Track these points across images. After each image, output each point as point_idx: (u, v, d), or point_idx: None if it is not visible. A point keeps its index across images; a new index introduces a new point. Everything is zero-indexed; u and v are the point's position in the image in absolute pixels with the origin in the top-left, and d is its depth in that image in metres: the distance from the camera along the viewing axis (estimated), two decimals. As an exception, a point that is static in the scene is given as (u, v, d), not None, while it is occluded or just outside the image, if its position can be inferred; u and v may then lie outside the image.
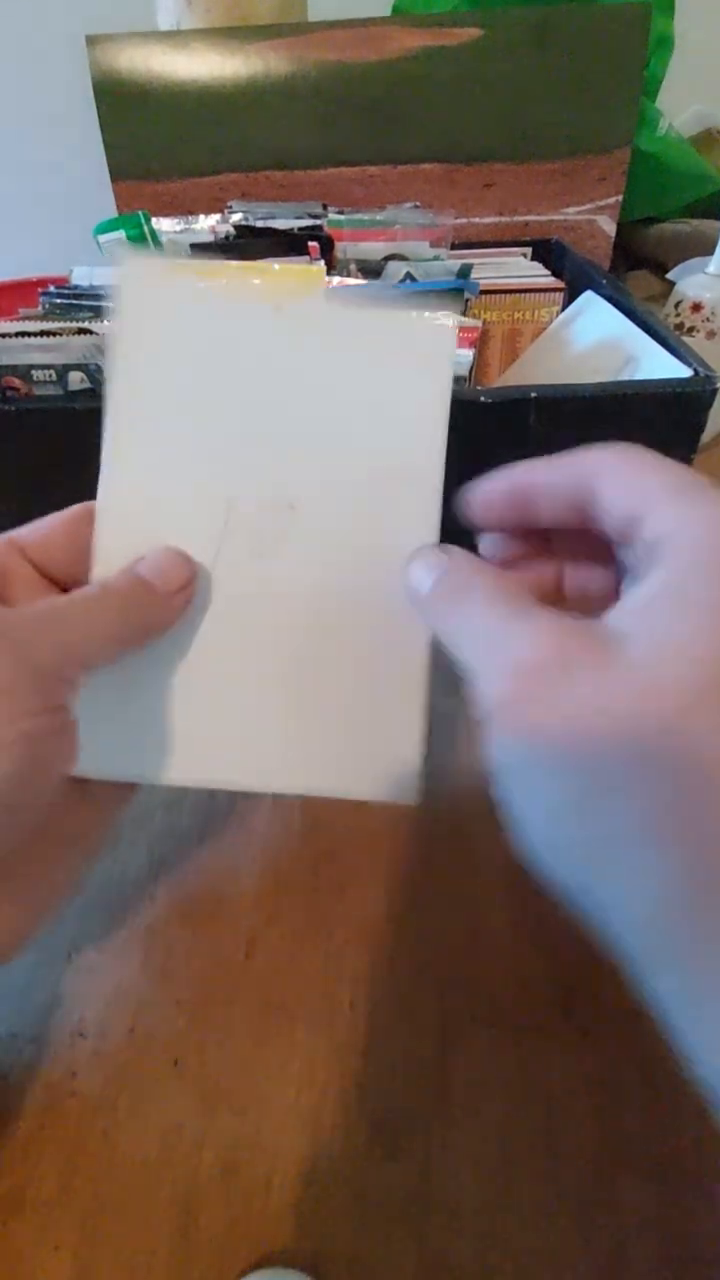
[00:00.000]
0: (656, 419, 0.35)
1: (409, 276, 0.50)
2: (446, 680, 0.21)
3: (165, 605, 0.23)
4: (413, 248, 0.53)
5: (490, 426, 0.36)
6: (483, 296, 0.47)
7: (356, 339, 0.24)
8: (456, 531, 0.24)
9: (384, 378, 0.24)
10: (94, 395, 0.37)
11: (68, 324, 0.38)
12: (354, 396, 0.24)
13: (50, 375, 0.36)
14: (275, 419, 0.24)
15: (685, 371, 0.36)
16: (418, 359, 0.24)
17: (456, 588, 0.20)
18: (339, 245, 0.53)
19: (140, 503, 0.24)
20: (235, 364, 0.24)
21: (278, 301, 0.24)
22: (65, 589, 0.24)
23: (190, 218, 0.59)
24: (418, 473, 0.24)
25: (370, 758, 0.23)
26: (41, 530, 0.25)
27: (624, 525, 0.19)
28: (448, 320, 0.24)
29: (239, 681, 0.23)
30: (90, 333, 0.36)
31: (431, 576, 0.21)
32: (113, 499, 0.24)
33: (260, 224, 0.57)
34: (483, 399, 0.35)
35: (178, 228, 0.58)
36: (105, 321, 0.38)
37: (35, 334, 0.36)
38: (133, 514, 0.24)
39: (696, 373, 0.35)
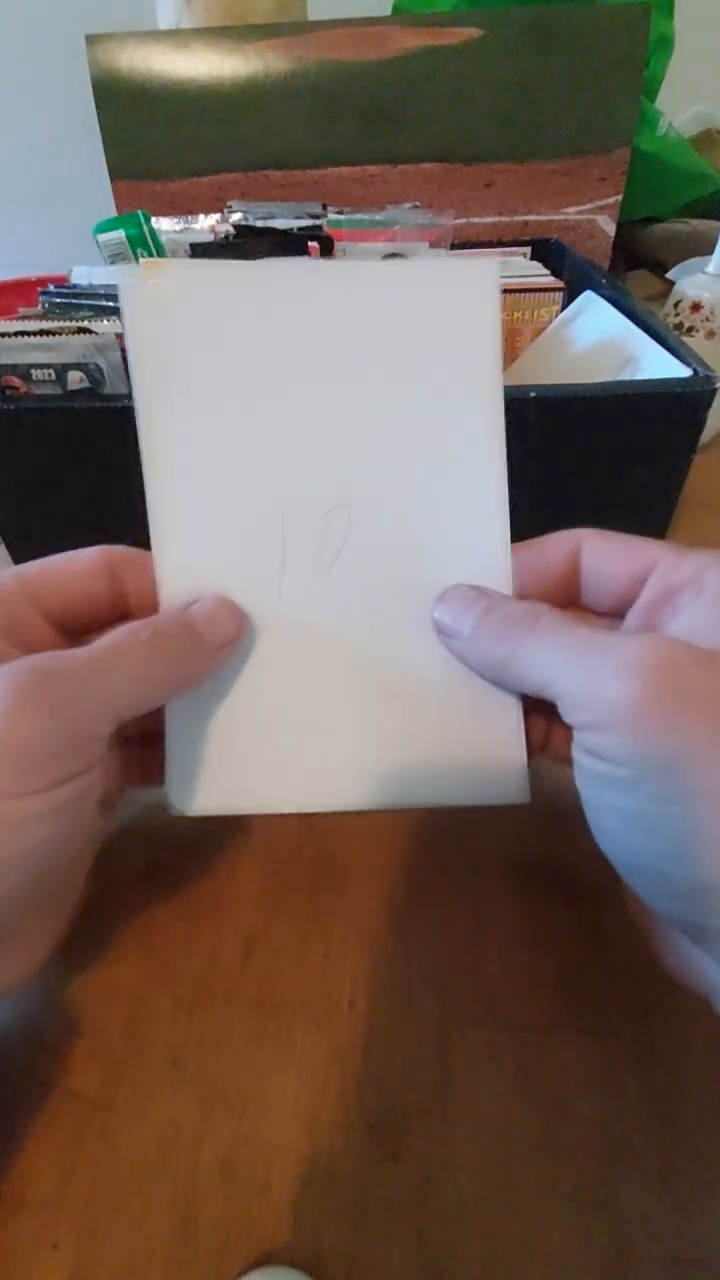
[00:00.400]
0: (656, 419, 0.35)
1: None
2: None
3: (211, 658, 0.22)
4: (412, 248, 0.53)
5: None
6: (482, 296, 0.47)
7: (389, 301, 0.22)
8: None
9: (424, 339, 0.22)
10: (93, 395, 0.37)
11: (67, 323, 0.38)
12: (394, 368, 0.22)
13: (49, 374, 0.36)
14: (314, 407, 0.22)
15: (685, 371, 0.36)
16: (460, 312, 0.22)
17: (517, 618, 0.20)
18: (338, 245, 0.53)
19: (194, 538, 0.22)
20: (264, 350, 0.22)
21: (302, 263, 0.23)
22: (73, 634, 0.23)
23: (190, 217, 0.59)
24: (476, 444, 0.22)
25: (475, 761, 0.22)
26: (55, 574, 0.22)
27: (623, 589, 0.21)
28: (490, 265, 0.22)
29: (327, 699, 0.22)
30: (90, 332, 0.36)
31: (472, 616, 0.21)
32: (167, 535, 0.22)
33: (260, 224, 0.57)
34: (482, 398, 0.35)
35: (177, 227, 0.58)
36: (105, 321, 0.38)
37: (34, 333, 0.36)
38: (190, 548, 0.22)
39: (696, 372, 0.35)
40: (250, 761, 0.22)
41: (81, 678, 0.18)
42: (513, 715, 0.22)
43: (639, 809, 0.17)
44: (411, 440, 0.22)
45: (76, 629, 0.22)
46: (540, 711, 0.22)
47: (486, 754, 0.22)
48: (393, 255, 0.52)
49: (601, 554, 0.22)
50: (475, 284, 0.22)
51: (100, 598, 0.22)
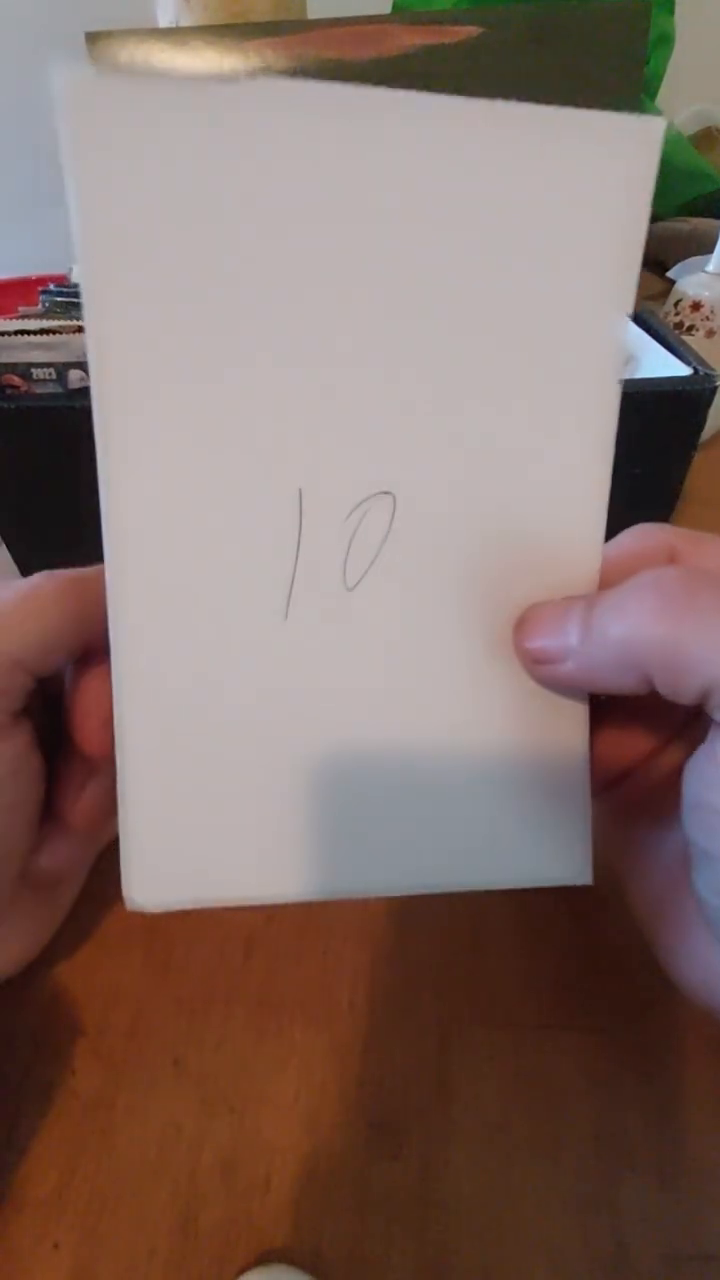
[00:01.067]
0: (656, 418, 0.35)
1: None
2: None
3: None
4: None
5: (490, 425, 0.36)
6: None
7: (494, 162, 0.14)
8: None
9: (537, 227, 0.14)
10: (93, 393, 0.37)
11: (67, 322, 0.38)
12: (485, 268, 0.14)
13: (50, 374, 0.36)
14: (355, 326, 0.14)
15: (685, 370, 0.36)
16: (600, 190, 0.14)
17: (678, 590, 0.15)
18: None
19: (164, 531, 0.15)
20: (277, 234, 0.13)
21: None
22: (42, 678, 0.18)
23: (189, 216, 0.58)
24: (588, 401, 0.16)
25: (526, 833, 0.17)
26: (20, 624, 0.17)
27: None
28: (655, 122, 0.14)
29: (343, 756, 0.17)
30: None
31: (574, 620, 0.16)
32: (129, 531, 0.15)
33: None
34: (482, 397, 0.34)
35: (177, 226, 0.57)
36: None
37: (35, 332, 0.36)
38: (158, 547, 0.15)
39: (696, 371, 0.35)
40: (240, 835, 0.17)
41: None
42: (580, 774, 0.17)
43: None
44: (497, 387, 0.15)
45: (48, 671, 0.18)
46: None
47: (541, 823, 0.17)
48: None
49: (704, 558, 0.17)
50: (632, 149, 0.14)
51: (67, 634, 0.17)
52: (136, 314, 0.14)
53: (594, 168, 0.14)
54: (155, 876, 0.16)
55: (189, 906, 0.16)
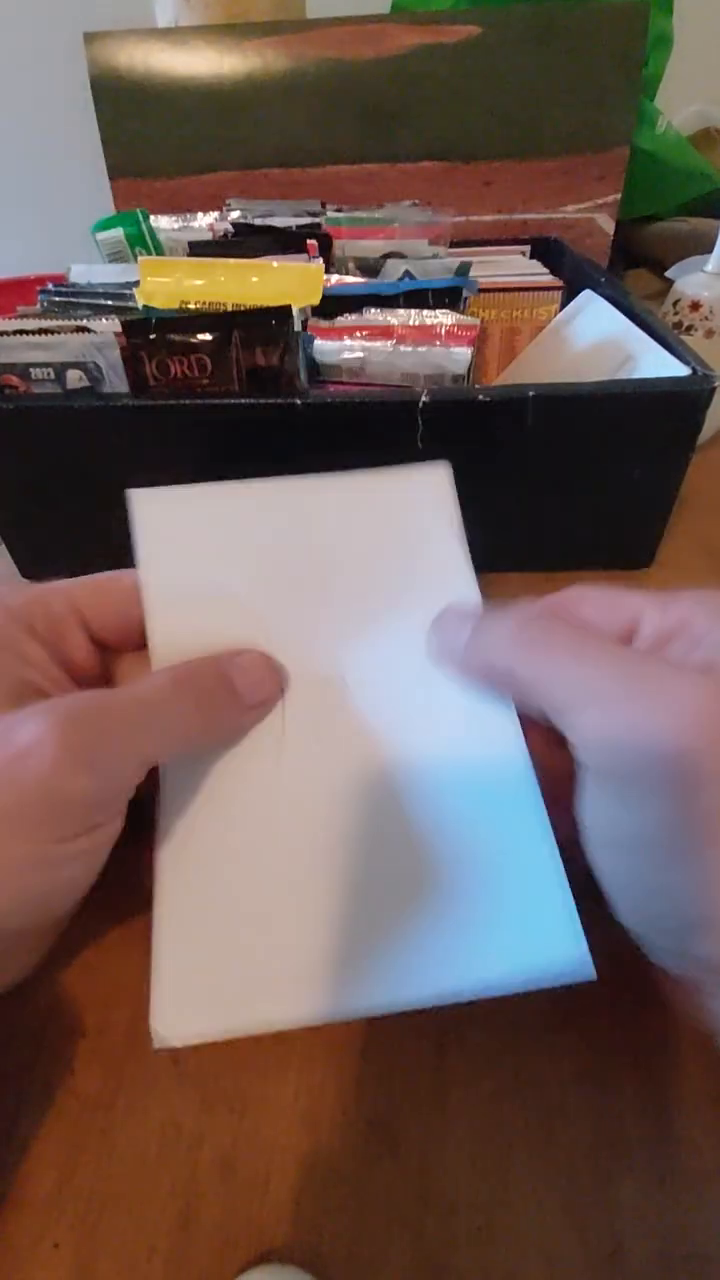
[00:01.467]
0: (655, 418, 0.35)
1: (408, 274, 0.50)
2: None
3: (244, 715, 0.21)
4: (412, 245, 0.53)
5: (489, 425, 0.36)
6: (481, 295, 0.47)
7: (361, 504, 0.25)
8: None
9: (396, 533, 0.25)
10: (92, 393, 0.37)
11: (66, 322, 0.38)
12: (372, 558, 0.24)
13: (48, 373, 0.36)
14: (303, 596, 0.24)
15: (684, 370, 0.36)
16: (423, 510, 0.25)
17: (540, 626, 0.19)
18: (337, 243, 0.53)
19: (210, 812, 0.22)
20: (256, 554, 0.24)
21: (278, 486, 0.25)
22: (106, 649, 0.24)
23: (188, 215, 0.58)
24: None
25: (515, 937, 0.19)
26: (100, 595, 0.23)
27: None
28: (442, 468, 0.25)
29: (341, 882, 0.20)
30: (88, 331, 0.36)
31: (468, 626, 0.21)
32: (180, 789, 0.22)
33: (259, 222, 0.57)
34: (481, 398, 0.35)
35: (176, 225, 0.57)
36: (104, 320, 0.38)
37: (33, 332, 0.36)
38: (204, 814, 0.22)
39: (695, 371, 0.35)
40: (254, 974, 0.19)
41: (122, 732, 0.19)
42: (554, 874, 0.19)
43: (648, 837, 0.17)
44: (392, 616, 0.23)
45: (110, 645, 0.24)
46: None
47: (528, 921, 0.19)
48: (391, 254, 0.53)
49: (597, 607, 0.21)
50: (432, 483, 0.25)
51: (135, 620, 0.23)
52: (182, 610, 0.23)
53: (413, 498, 0.25)
54: (179, 1016, 0.19)
55: (209, 1040, 0.19)
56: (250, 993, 0.19)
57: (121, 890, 0.26)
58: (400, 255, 0.53)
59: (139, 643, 0.23)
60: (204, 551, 0.24)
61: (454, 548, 0.24)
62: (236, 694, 0.21)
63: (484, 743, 0.21)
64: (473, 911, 0.19)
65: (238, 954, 0.20)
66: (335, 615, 0.23)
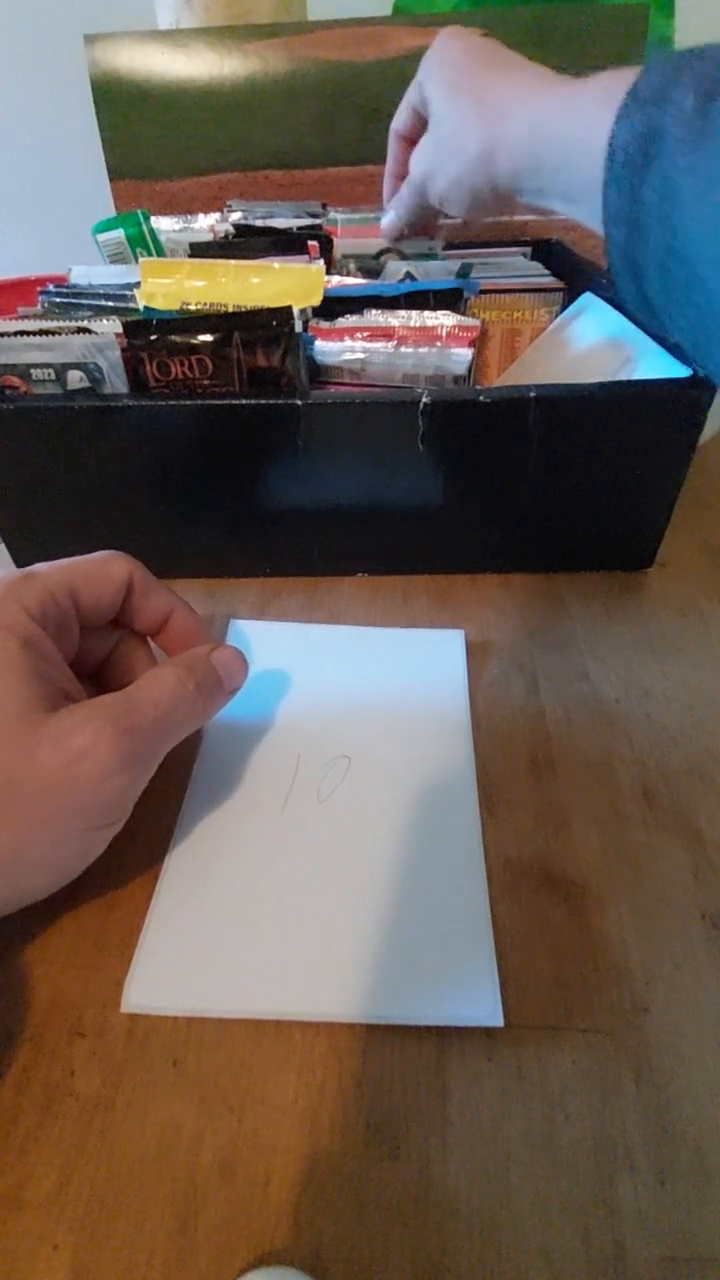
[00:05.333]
0: (655, 419, 0.35)
1: (409, 275, 0.50)
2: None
3: (225, 701, 0.27)
4: (412, 245, 0.53)
5: (489, 426, 0.36)
6: (482, 296, 0.47)
7: (391, 647, 0.36)
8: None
9: (416, 670, 0.35)
10: (93, 394, 0.37)
11: (67, 323, 0.38)
12: (396, 684, 0.34)
13: (49, 374, 0.36)
14: (333, 701, 0.33)
15: (684, 371, 0.36)
16: (440, 657, 0.35)
17: None
18: (338, 244, 0.53)
19: (230, 761, 0.30)
20: (303, 666, 0.35)
21: (332, 629, 0.37)
22: (85, 624, 0.27)
23: (189, 217, 0.58)
24: (451, 733, 0.31)
25: (449, 981, 0.23)
26: (91, 577, 0.26)
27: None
28: (458, 633, 0.37)
29: (314, 909, 0.25)
30: (89, 331, 0.36)
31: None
32: (207, 758, 0.31)
33: (259, 223, 0.57)
34: (482, 399, 0.35)
35: (177, 227, 0.57)
36: (104, 320, 0.38)
37: (34, 333, 0.36)
38: (223, 767, 0.30)
39: (695, 372, 0.35)
40: (224, 962, 0.24)
41: (153, 735, 0.23)
42: (485, 934, 0.24)
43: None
44: (400, 723, 0.32)
45: (89, 621, 0.27)
46: None
47: (461, 974, 0.23)
48: (386, 251, 0.53)
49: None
50: (448, 642, 0.36)
51: (115, 604, 0.27)
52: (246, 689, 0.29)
53: (432, 650, 0.36)
54: (148, 989, 0.23)
55: (167, 1014, 0.23)
56: (210, 983, 0.23)
57: (122, 892, 0.26)
58: (400, 255, 0.53)
59: (107, 622, 0.28)
60: (272, 655, 0.35)
61: (458, 691, 0.33)
62: (223, 683, 0.26)
63: (450, 838, 0.27)
64: (416, 955, 0.24)
65: (209, 950, 0.24)
66: (356, 718, 0.32)
